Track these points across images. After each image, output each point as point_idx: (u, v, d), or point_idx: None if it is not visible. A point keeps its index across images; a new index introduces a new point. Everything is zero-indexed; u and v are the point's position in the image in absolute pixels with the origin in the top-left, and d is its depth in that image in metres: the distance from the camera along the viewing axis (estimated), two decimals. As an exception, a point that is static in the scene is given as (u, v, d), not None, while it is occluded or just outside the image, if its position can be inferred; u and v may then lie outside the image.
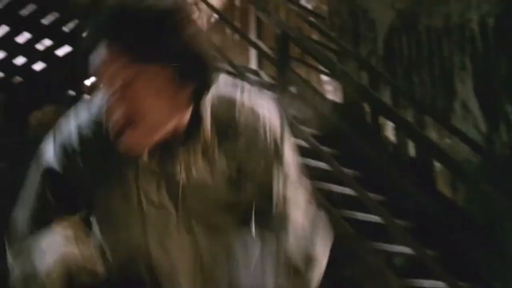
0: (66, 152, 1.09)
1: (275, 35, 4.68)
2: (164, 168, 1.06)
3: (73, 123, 1.10)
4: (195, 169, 1.07)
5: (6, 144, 5.70)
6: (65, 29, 4.78)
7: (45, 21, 4.69)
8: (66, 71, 4.92)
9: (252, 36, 5.66)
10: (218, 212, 1.11)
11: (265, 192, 1.13)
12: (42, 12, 4.63)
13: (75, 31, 4.73)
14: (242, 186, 1.11)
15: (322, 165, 4.01)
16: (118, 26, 0.92)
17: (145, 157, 1.03)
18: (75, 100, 6.24)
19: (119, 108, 0.93)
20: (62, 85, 5.24)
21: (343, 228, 3.48)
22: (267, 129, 1.13)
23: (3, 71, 5.45)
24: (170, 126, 1.00)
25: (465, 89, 5.61)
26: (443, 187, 5.16)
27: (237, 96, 1.13)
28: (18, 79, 5.59)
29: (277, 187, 1.12)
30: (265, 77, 5.51)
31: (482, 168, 4.95)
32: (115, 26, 0.91)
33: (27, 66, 5.32)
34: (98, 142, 1.05)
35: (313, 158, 3.92)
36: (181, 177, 1.06)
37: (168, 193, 1.07)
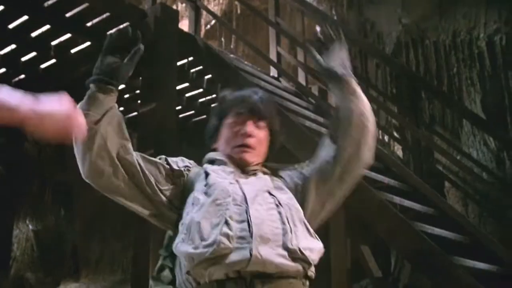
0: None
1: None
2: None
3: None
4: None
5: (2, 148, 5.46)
6: (88, 24, 4.52)
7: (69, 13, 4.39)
8: (80, 71, 4.69)
9: (273, 43, 5.66)
10: None
11: None
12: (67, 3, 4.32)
13: (97, 26, 4.50)
14: None
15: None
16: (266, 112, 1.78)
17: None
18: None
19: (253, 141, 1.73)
20: (73, 86, 5.01)
21: (424, 242, 3.55)
22: None
23: (7, 67, 5.20)
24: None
25: (474, 106, 5.63)
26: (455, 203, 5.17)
27: None
28: (20, 77, 5.36)
29: None
30: (286, 84, 5.63)
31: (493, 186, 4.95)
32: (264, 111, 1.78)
33: (35, 62, 5.08)
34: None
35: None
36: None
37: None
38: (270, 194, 1.55)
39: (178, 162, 1.67)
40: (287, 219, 1.47)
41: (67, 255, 7.79)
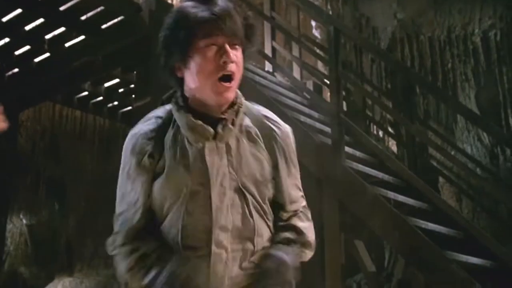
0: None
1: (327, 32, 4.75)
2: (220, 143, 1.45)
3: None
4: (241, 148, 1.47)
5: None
6: (82, 18, 4.50)
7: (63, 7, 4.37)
8: (74, 65, 4.67)
9: (268, 38, 5.65)
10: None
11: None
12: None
13: (92, 20, 4.48)
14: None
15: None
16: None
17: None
18: (70, 98, 6.07)
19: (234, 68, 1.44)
20: (67, 81, 4.99)
21: (418, 237, 3.56)
22: (281, 138, 1.54)
23: (0, 60, 5.18)
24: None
25: (468, 102, 5.64)
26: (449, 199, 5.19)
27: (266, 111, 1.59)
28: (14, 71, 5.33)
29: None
30: (280, 79, 5.63)
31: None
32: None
33: (28, 55, 5.05)
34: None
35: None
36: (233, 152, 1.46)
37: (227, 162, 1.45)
38: (242, 191, 1.44)
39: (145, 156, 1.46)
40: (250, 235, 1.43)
41: (61, 250, 7.77)
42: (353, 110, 5.72)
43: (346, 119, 4.22)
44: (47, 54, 5.02)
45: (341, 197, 3.94)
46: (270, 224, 1.50)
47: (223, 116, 1.46)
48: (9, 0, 4.32)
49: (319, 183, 3.99)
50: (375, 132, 6.15)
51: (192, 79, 1.45)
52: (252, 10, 5.89)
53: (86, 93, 5.97)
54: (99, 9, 4.46)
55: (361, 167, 4.18)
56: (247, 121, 1.51)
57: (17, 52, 5.09)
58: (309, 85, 5.72)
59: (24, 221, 7.80)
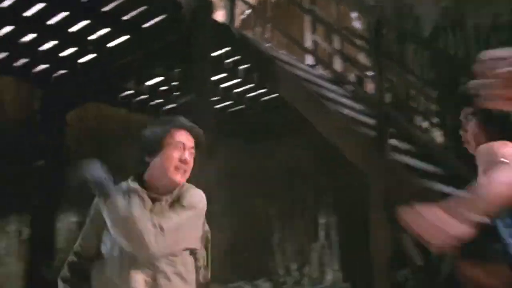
0: None
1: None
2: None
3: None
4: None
5: (43, 143, 5.58)
6: (126, 17, 4.56)
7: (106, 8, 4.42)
8: (118, 65, 4.74)
9: (308, 31, 5.62)
10: None
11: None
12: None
13: (136, 20, 4.53)
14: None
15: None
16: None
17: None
18: (119, 98, 6.17)
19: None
20: (111, 80, 5.07)
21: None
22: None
23: (48, 62, 5.30)
24: None
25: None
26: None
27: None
28: (60, 72, 5.45)
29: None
30: (322, 72, 5.61)
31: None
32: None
33: (74, 57, 5.16)
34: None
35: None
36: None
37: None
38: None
39: None
40: None
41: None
42: (396, 101, 5.63)
43: (389, 111, 4.15)
44: (92, 55, 5.12)
45: (387, 190, 3.88)
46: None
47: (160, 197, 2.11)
48: (54, 3, 4.41)
49: (364, 176, 3.95)
50: (420, 123, 6.04)
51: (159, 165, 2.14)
52: (292, 4, 5.89)
53: (129, 91, 6.06)
54: (141, 9, 4.52)
55: (406, 159, 4.11)
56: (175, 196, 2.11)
57: (62, 54, 5.20)
58: (351, 77, 5.66)
59: (73, 219, 7.99)
